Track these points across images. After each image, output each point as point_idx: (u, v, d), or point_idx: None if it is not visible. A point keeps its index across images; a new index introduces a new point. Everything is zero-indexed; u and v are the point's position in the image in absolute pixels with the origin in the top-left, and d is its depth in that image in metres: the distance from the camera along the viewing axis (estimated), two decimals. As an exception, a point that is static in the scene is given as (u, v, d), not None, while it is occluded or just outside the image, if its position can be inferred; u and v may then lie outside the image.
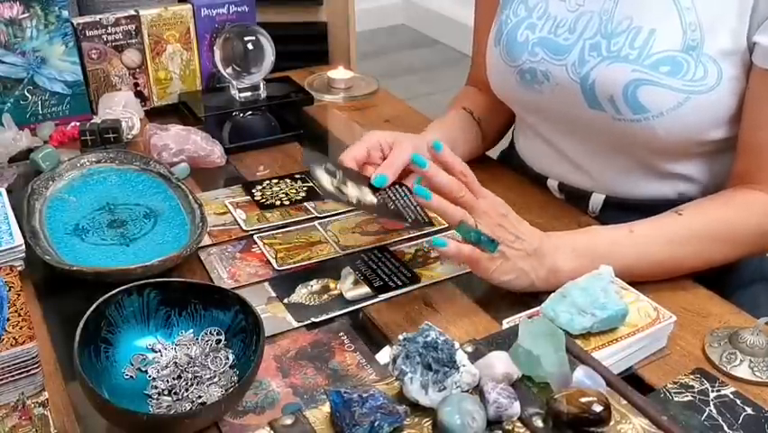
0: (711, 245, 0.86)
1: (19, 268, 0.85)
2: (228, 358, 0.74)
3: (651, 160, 0.94)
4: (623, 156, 0.96)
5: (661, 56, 0.86)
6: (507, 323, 0.77)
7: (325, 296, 0.86)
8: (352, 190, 0.83)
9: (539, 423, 0.58)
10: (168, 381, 0.72)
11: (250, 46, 1.22)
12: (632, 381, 0.71)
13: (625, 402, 0.60)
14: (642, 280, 0.83)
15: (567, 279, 0.79)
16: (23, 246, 0.88)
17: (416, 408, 0.60)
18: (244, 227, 0.98)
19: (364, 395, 0.58)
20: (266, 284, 0.88)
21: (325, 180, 0.83)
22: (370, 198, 0.85)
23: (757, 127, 0.86)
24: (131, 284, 0.74)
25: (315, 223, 1.00)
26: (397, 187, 0.89)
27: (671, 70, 0.85)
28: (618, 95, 0.88)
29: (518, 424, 0.58)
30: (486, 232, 0.79)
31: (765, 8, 0.82)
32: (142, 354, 0.74)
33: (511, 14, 1.01)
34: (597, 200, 1.01)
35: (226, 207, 1.03)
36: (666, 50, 0.86)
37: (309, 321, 0.82)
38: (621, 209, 0.98)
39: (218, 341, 0.75)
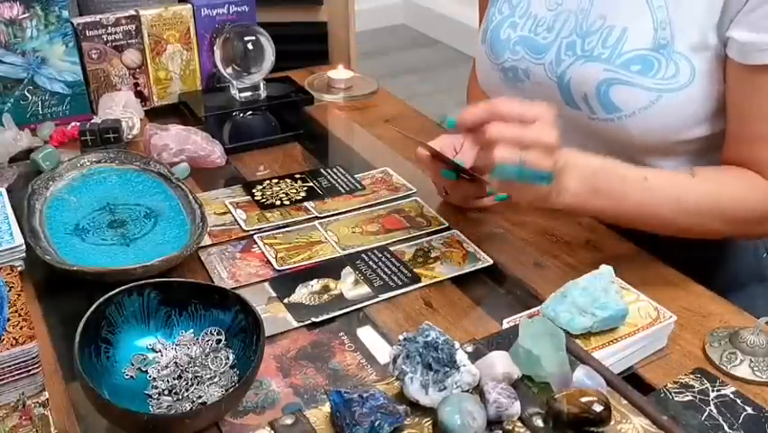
0: (711, 215, 0.85)
1: (19, 268, 0.85)
2: (228, 358, 0.74)
3: (634, 158, 0.94)
4: (606, 154, 0.95)
5: (631, 55, 0.86)
6: (507, 323, 0.77)
7: (325, 296, 0.86)
8: None
9: (539, 423, 0.58)
10: (168, 381, 0.72)
11: (250, 46, 1.22)
12: (632, 381, 0.71)
13: (625, 402, 0.60)
14: (631, 227, 0.82)
15: (569, 200, 0.79)
16: (24, 246, 0.88)
17: (416, 408, 0.60)
18: (244, 227, 0.98)
19: (364, 395, 0.58)
20: (266, 284, 0.88)
21: None
22: None
23: (745, 120, 0.85)
24: (131, 284, 0.74)
25: (315, 223, 1.00)
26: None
27: (641, 69, 0.86)
28: (592, 94, 0.88)
29: (518, 424, 0.58)
30: (531, 164, 0.74)
31: (737, 3, 0.81)
32: (143, 354, 0.74)
33: (496, 12, 1.02)
34: None
35: (226, 207, 1.03)
36: (637, 49, 0.86)
37: (309, 321, 0.82)
38: None
39: (218, 341, 0.75)
